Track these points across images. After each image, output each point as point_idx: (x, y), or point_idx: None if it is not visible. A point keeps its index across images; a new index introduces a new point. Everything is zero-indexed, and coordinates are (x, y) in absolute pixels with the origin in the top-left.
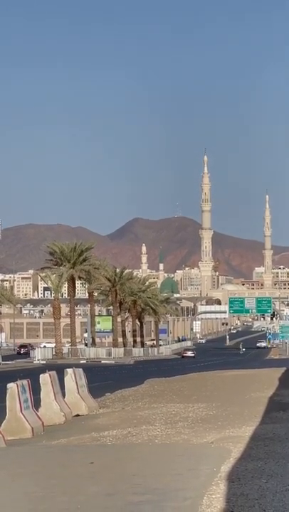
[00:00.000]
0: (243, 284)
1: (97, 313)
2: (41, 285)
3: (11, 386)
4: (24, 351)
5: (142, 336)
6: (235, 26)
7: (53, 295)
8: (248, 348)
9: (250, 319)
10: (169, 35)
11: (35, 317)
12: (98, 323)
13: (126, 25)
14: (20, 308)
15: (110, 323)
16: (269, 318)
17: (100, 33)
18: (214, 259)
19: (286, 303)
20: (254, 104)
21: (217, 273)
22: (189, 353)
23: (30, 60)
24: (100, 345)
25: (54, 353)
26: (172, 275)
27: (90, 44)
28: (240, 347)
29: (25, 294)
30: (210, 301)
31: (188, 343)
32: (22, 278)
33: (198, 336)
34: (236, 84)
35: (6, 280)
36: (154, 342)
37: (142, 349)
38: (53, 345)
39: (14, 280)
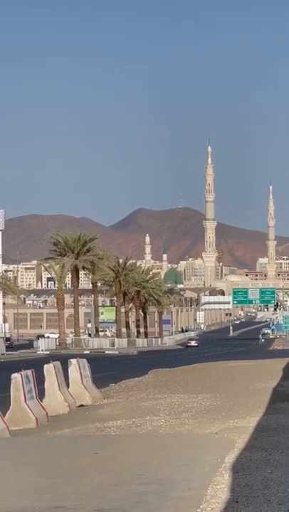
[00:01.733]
0: (247, 275)
1: (100, 304)
2: (45, 275)
3: (15, 376)
4: (7, 344)
5: (145, 327)
6: (240, 16)
7: (56, 285)
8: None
9: (254, 310)
10: (172, 24)
11: (38, 307)
12: (102, 313)
13: (128, 14)
14: (24, 298)
15: (114, 314)
16: (272, 309)
17: (102, 22)
18: (218, 250)
19: None
20: (258, 95)
21: (221, 264)
22: (193, 343)
23: (39, 51)
24: (103, 335)
25: (58, 344)
26: (176, 266)
27: (92, 33)
28: (260, 337)
29: (29, 285)
30: (213, 292)
31: (192, 334)
32: (25, 268)
33: (202, 326)
34: (240, 74)
35: (10, 270)
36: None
37: (146, 339)
38: (57, 335)
39: (18, 270)
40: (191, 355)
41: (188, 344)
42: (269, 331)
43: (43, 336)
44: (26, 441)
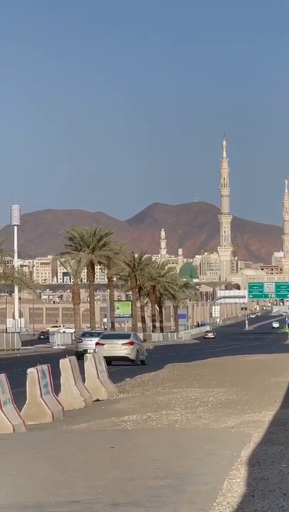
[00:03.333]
0: (262, 269)
1: (116, 299)
2: (60, 270)
3: (31, 371)
4: (43, 337)
5: (161, 321)
6: (258, 9)
7: (72, 280)
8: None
9: (270, 304)
10: (190, 15)
11: (54, 302)
12: (117, 308)
13: (146, 8)
14: (40, 293)
15: (129, 309)
16: (288, 303)
17: (112, 18)
18: (233, 244)
19: None
20: (274, 88)
21: (236, 258)
22: (210, 335)
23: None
24: (119, 330)
25: (73, 338)
26: (191, 260)
27: (109, 27)
28: (287, 330)
29: (45, 280)
30: (229, 286)
31: (207, 328)
32: (41, 263)
33: (218, 320)
34: (255, 68)
35: (25, 265)
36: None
37: (162, 334)
38: (73, 330)
39: (33, 265)
40: (206, 350)
41: (206, 336)
42: (278, 325)
43: (46, 333)
44: (42, 435)
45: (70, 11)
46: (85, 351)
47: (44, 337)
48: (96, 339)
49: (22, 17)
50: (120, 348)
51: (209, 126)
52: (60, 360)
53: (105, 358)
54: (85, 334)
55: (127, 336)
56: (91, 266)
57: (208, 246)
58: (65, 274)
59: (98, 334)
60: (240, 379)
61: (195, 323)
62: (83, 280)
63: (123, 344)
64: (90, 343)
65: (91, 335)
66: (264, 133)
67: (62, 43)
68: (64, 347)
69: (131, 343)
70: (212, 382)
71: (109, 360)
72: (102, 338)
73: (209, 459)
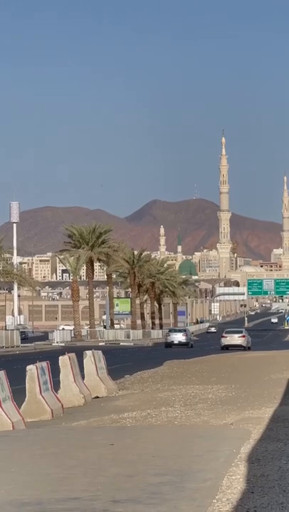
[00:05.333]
0: (262, 266)
1: (115, 296)
2: (60, 267)
3: (31, 368)
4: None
5: (160, 318)
6: (258, 4)
7: (71, 277)
8: None
9: (269, 301)
10: (188, 11)
11: (53, 299)
12: (117, 305)
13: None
14: (39, 290)
15: (129, 306)
16: (287, 300)
17: (111, 15)
18: (232, 241)
19: None
20: (273, 85)
21: (235, 255)
22: (212, 329)
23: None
24: (118, 327)
25: (73, 336)
26: (190, 257)
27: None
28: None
29: (44, 277)
30: (228, 283)
31: (207, 325)
32: (40, 260)
33: (218, 317)
34: (255, 65)
35: (25, 263)
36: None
37: (161, 331)
38: (72, 327)
39: (32, 263)
40: (206, 347)
41: (209, 331)
42: (277, 321)
43: (23, 332)
44: (42, 432)
45: (70, 8)
46: (172, 342)
47: (22, 337)
48: (180, 334)
49: (22, 17)
50: (237, 340)
51: (208, 123)
52: (60, 357)
53: (227, 345)
54: (171, 330)
55: (241, 332)
56: (90, 263)
57: (208, 243)
58: (64, 271)
59: (179, 330)
60: (239, 376)
61: (194, 320)
62: (82, 277)
63: (239, 337)
64: (176, 336)
65: (175, 330)
66: (263, 130)
67: (65, 38)
68: (63, 344)
69: (244, 336)
70: (211, 379)
71: (228, 347)
72: (225, 332)
73: (209, 456)
